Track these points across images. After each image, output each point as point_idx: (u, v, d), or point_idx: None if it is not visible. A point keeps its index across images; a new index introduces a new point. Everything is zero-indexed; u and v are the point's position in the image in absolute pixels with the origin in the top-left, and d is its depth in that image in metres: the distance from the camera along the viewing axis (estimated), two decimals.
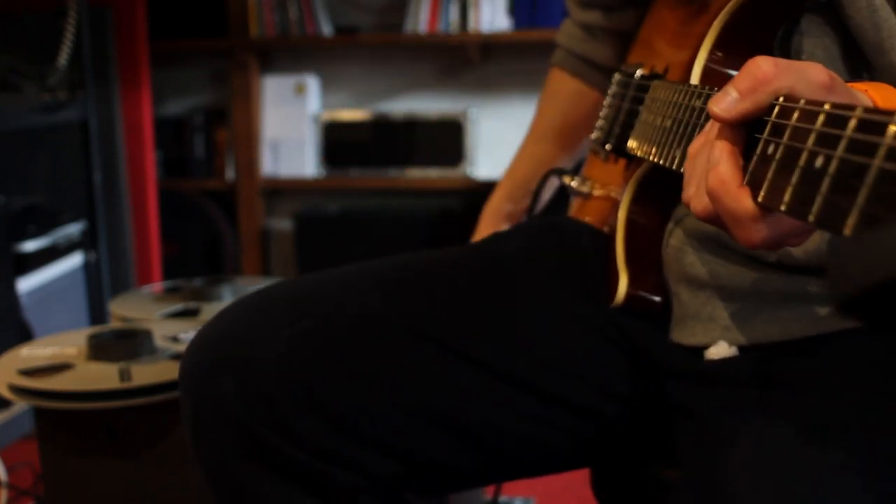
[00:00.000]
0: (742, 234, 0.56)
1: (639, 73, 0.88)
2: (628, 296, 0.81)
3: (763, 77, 0.55)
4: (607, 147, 0.90)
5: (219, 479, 0.79)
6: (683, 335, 0.77)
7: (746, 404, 0.70)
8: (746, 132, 0.57)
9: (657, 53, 0.88)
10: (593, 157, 0.99)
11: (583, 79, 1.10)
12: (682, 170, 0.68)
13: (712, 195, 0.57)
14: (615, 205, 0.86)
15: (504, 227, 1.17)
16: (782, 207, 0.51)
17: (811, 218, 0.48)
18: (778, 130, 0.54)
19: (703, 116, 0.65)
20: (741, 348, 0.74)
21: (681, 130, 0.69)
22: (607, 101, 0.95)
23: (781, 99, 0.55)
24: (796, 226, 0.55)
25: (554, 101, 1.14)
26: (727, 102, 0.57)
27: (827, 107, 0.49)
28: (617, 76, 0.94)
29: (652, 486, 0.86)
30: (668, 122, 0.72)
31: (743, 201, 0.55)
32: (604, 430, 0.83)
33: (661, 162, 0.72)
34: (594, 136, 0.95)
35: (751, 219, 0.55)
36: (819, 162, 0.48)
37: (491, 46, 3.13)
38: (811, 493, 0.61)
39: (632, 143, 0.83)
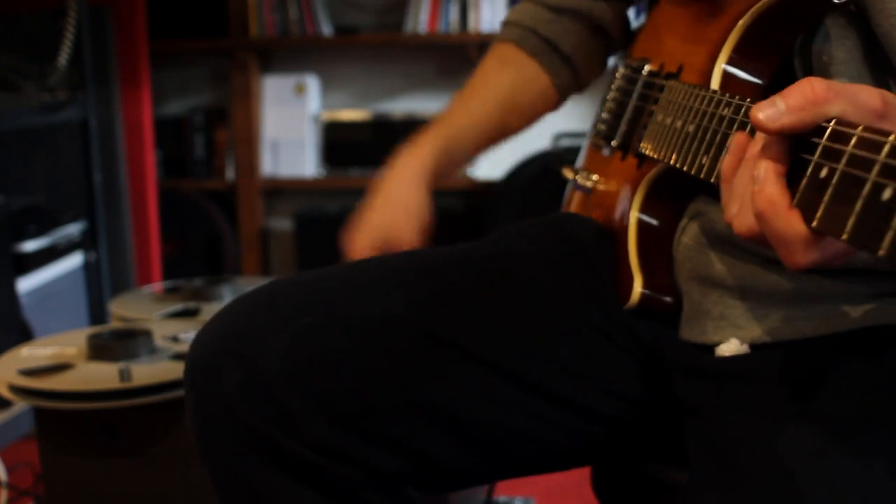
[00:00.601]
0: (790, 257, 0.55)
1: (647, 68, 0.87)
2: (642, 297, 0.81)
3: (814, 97, 0.54)
4: (613, 143, 0.90)
5: (221, 473, 0.79)
6: (694, 333, 0.77)
7: (758, 402, 0.70)
8: (791, 150, 0.56)
9: (665, 51, 0.87)
10: (594, 150, 0.98)
11: (540, 61, 1.02)
12: (711, 179, 0.67)
13: (761, 216, 0.56)
14: (622, 201, 0.86)
15: (423, 190, 1.00)
16: (844, 236, 0.49)
17: (882, 252, 0.46)
18: (831, 154, 0.52)
19: (735, 126, 0.65)
20: (752, 346, 0.73)
21: (707, 138, 0.68)
22: (611, 94, 0.94)
23: (833, 122, 0.53)
24: (847, 249, 0.54)
25: (504, 72, 1.03)
26: (772, 112, 0.55)
27: (893, 139, 0.47)
28: (621, 70, 0.93)
29: (652, 486, 0.86)
30: (692, 128, 0.72)
31: (794, 224, 0.54)
32: (610, 429, 0.83)
33: (685, 168, 0.72)
34: (598, 128, 0.95)
35: (802, 242, 0.54)
36: (887, 194, 0.46)
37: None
38: (825, 490, 0.61)
39: (646, 144, 0.82)
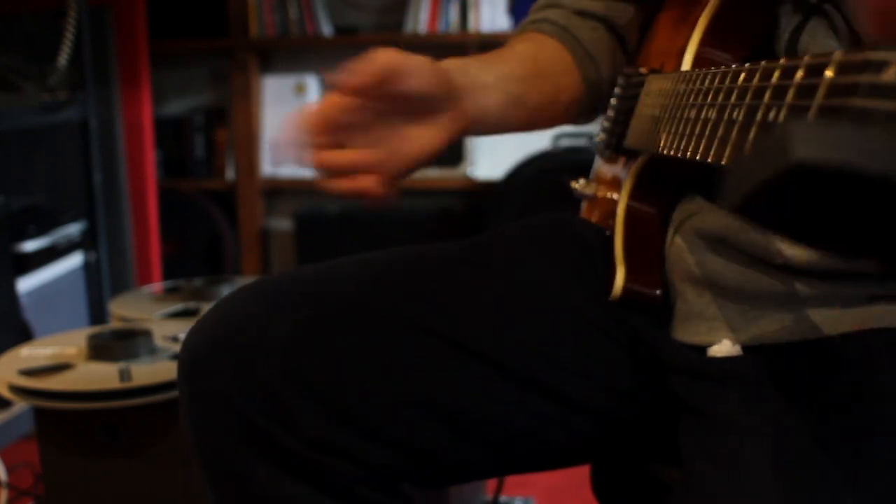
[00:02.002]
0: None
1: (642, 71, 0.88)
2: (626, 289, 0.81)
3: None
4: (608, 149, 0.90)
5: (214, 466, 0.79)
6: (687, 333, 0.77)
7: (750, 404, 0.70)
8: None
9: (656, 54, 0.88)
10: (599, 160, 0.99)
11: (566, 47, 0.95)
12: (687, 156, 0.67)
13: None
14: (615, 198, 0.87)
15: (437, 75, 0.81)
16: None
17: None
18: None
19: (698, 95, 0.65)
20: (745, 348, 0.73)
21: (675, 115, 0.69)
22: (612, 103, 0.95)
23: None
24: None
25: (527, 42, 0.94)
26: None
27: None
28: (620, 80, 0.94)
29: (652, 486, 0.86)
30: (659, 112, 0.73)
31: None
32: (606, 426, 0.84)
33: (665, 152, 0.72)
34: (598, 138, 0.95)
35: None
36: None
37: (491, 46, 3.09)
38: (817, 492, 0.61)
39: (629, 138, 0.83)
